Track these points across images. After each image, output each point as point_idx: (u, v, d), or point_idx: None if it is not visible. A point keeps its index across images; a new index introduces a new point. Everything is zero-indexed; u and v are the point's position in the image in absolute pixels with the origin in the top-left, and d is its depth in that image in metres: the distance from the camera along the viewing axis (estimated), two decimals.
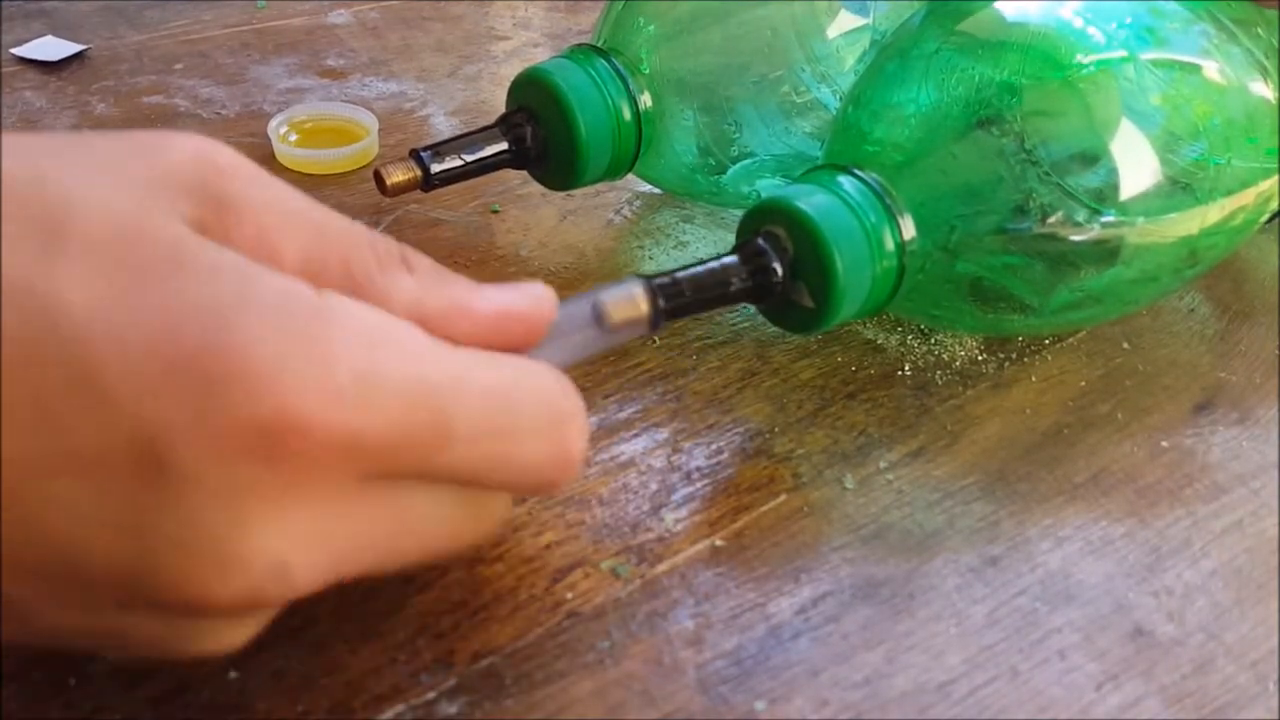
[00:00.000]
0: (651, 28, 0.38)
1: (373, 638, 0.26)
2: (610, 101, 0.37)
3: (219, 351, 0.20)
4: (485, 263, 0.40)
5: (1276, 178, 0.35)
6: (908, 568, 0.29)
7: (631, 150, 0.38)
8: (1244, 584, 0.29)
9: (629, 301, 0.27)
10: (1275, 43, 0.36)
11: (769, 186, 0.39)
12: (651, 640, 0.27)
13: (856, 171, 0.31)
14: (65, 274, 0.20)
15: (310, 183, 0.43)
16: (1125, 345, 0.37)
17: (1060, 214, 0.31)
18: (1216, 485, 0.32)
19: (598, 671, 0.26)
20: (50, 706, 0.24)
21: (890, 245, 0.31)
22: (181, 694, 0.25)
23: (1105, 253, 0.32)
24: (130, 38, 0.53)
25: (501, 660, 0.26)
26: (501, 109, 0.39)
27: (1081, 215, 0.31)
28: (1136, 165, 0.32)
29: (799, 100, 0.38)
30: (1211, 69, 0.34)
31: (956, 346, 0.36)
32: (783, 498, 0.31)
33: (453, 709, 0.25)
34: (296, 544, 0.21)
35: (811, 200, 0.30)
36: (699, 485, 0.31)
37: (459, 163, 0.37)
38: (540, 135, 0.38)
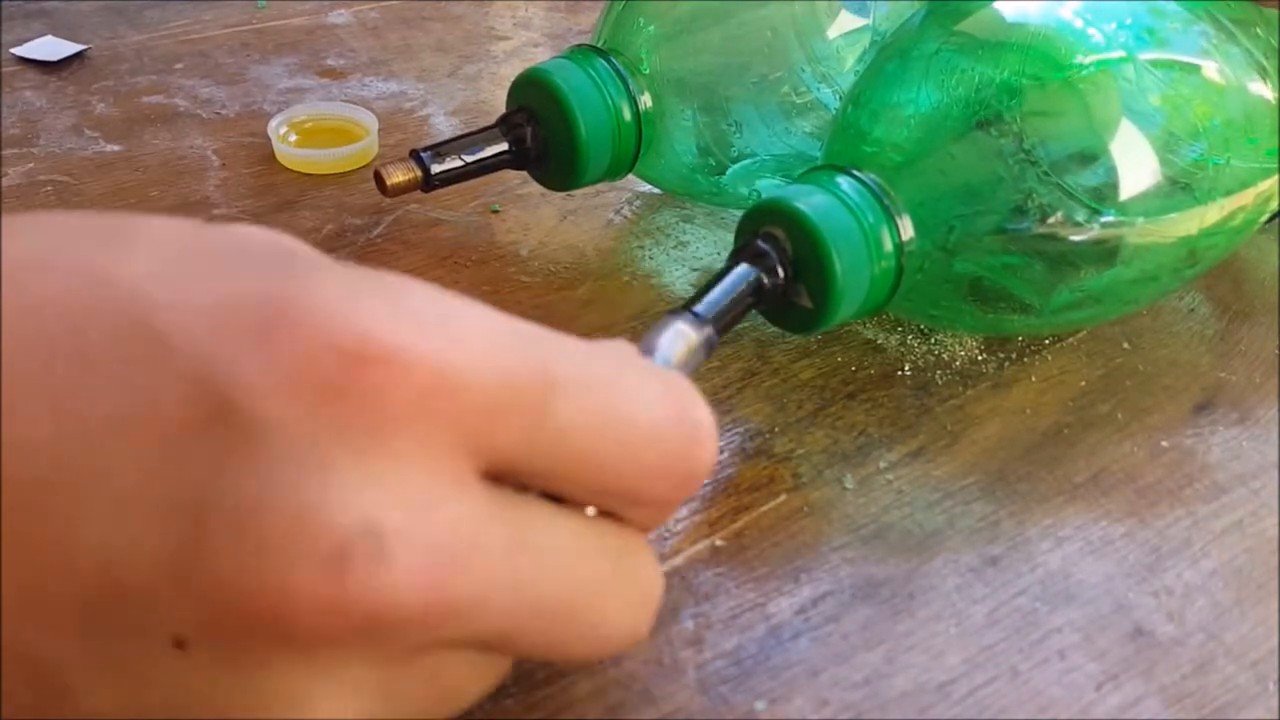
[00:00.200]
0: (652, 28, 0.38)
1: None
2: (610, 102, 0.37)
3: (285, 292, 0.18)
4: (485, 263, 0.40)
5: (1276, 178, 0.35)
6: (908, 568, 0.29)
7: (631, 150, 0.38)
8: (1244, 584, 0.29)
9: (683, 341, 0.27)
10: (1275, 43, 0.36)
11: (769, 186, 0.39)
12: (651, 640, 0.27)
13: (855, 172, 0.31)
14: (127, 257, 0.19)
15: (310, 183, 0.43)
16: (1125, 345, 0.37)
17: (1060, 214, 0.31)
18: (1216, 485, 0.32)
19: (597, 671, 0.26)
20: None
21: (889, 246, 0.31)
22: None
23: (1105, 253, 0.32)
24: (130, 38, 0.53)
25: None
26: (501, 109, 0.39)
27: (1081, 215, 0.31)
28: (1136, 165, 0.32)
29: (799, 100, 0.38)
30: (1211, 69, 0.34)
31: (956, 346, 0.36)
32: (783, 498, 0.31)
33: None
34: (390, 506, 0.18)
35: (810, 201, 0.30)
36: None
37: (459, 163, 0.37)
38: (540, 135, 0.38)
